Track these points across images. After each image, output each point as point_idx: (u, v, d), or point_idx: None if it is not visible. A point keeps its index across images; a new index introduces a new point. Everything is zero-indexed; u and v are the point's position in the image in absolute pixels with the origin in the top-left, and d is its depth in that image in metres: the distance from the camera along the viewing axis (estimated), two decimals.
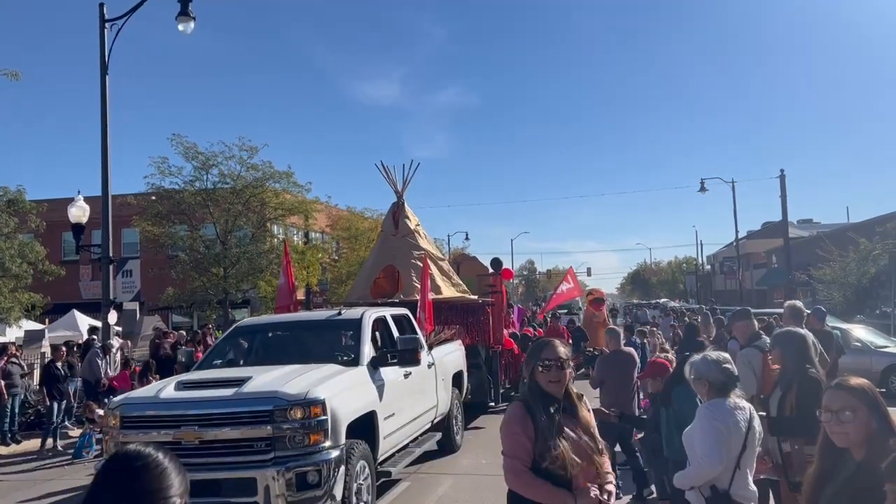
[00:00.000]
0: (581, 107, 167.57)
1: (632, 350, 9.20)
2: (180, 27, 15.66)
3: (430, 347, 9.86)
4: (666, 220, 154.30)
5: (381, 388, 7.35)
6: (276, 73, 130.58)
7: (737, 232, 42.28)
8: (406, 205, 13.91)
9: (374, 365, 7.48)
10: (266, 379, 6.40)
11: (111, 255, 15.41)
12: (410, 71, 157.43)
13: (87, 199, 15.65)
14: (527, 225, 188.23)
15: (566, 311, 20.81)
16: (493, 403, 12.84)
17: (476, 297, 13.79)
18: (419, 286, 11.55)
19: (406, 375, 8.14)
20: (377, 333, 8.59)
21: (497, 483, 7.99)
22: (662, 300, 61.18)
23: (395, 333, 8.63)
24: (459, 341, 11.69)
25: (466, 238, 56.97)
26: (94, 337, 16.93)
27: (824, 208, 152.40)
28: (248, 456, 5.90)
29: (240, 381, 6.31)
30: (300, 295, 29.25)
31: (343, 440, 6.27)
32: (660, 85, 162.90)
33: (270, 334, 8.96)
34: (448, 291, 13.17)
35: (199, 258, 25.31)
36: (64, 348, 14.47)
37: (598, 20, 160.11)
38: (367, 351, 7.62)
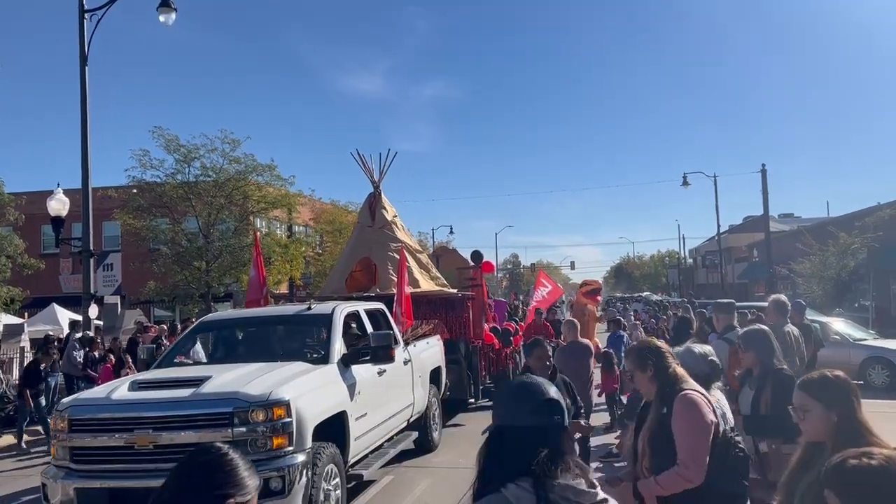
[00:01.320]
0: (566, 101, 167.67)
1: (587, 341, 9.46)
2: (161, 18, 15.40)
3: (407, 343, 9.40)
4: (649, 214, 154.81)
5: (352, 387, 6.89)
6: (260, 66, 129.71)
7: (718, 226, 42.33)
8: (383, 195, 13.37)
9: (345, 362, 7.02)
10: (226, 378, 5.95)
11: (92, 248, 15.13)
12: (395, 64, 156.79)
13: (66, 192, 15.21)
14: (511, 219, 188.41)
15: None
16: (472, 400, 12.36)
17: (455, 290, 13.30)
18: (396, 279, 11.08)
19: (380, 373, 7.68)
20: (350, 329, 8.11)
21: None
22: (645, 293, 61.14)
23: (369, 329, 8.10)
24: (438, 336, 11.20)
25: (451, 232, 56.08)
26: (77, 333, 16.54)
27: (805, 203, 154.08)
28: None
29: (198, 381, 5.85)
30: (283, 289, 28.96)
31: (309, 443, 5.83)
32: (644, 81, 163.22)
33: (235, 330, 8.44)
34: (426, 285, 12.70)
35: (181, 252, 24.96)
36: (56, 354, 13.86)
37: (582, 15, 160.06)
38: (338, 348, 7.13)
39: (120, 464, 5.54)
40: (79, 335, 15.22)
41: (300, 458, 5.65)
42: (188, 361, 7.51)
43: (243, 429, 5.47)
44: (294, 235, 31.07)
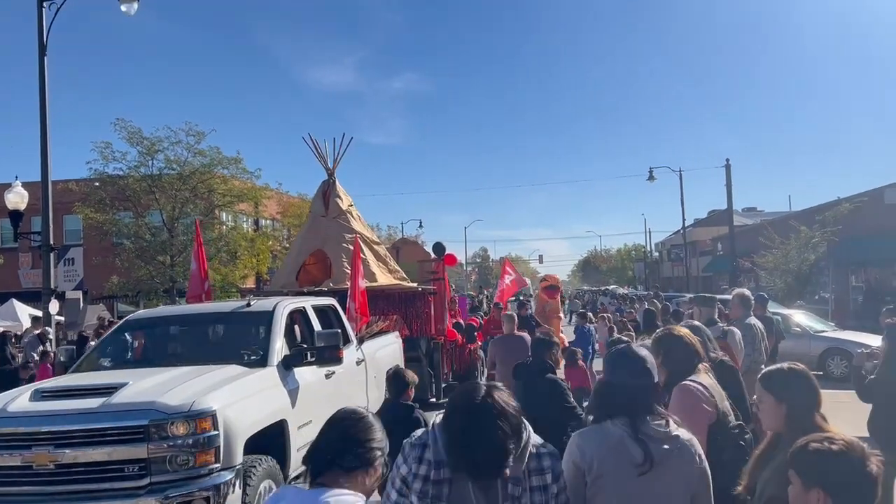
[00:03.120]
0: (534, 96, 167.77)
1: (525, 334, 9.54)
2: (123, 8, 14.89)
3: (362, 341, 8.68)
4: (616, 208, 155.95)
5: (294, 392, 6.15)
6: (226, 57, 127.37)
7: (683, 220, 42.24)
8: (338, 183, 12.49)
9: (287, 365, 6.27)
10: (144, 386, 5.15)
11: (52, 242, 14.34)
12: (365, 57, 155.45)
13: (25, 185, 14.59)
14: (480, 213, 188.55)
15: (514, 299, 19.88)
16: (433, 399, 11.63)
17: (416, 284, 12.52)
18: (350, 273, 10.23)
19: (328, 375, 6.95)
20: (295, 328, 7.40)
21: None
22: (612, 287, 61.11)
23: (317, 327, 7.30)
24: (397, 333, 10.45)
25: (420, 226, 55.70)
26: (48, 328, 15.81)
27: (768, 197, 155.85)
28: (116, 483, 4.64)
29: (111, 390, 5.03)
30: (250, 283, 28.10)
31: (240, 459, 5.09)
32: (610, 76, 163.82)
33: (165, 330, 7.46)
34: (384, 278, 11.87)
35: (144, 246, 24.11)
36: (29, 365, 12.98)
37: (550, 11, 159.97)
38: (279, 349, 6.37)
39: (15, 486, 4.70)
40: (37, 332, 14.71)
41: (227, 476, 4.90)
42: (107, 365, 6.62)
43: (161, 444, 4.70)
44: (261, 229, 30.30)
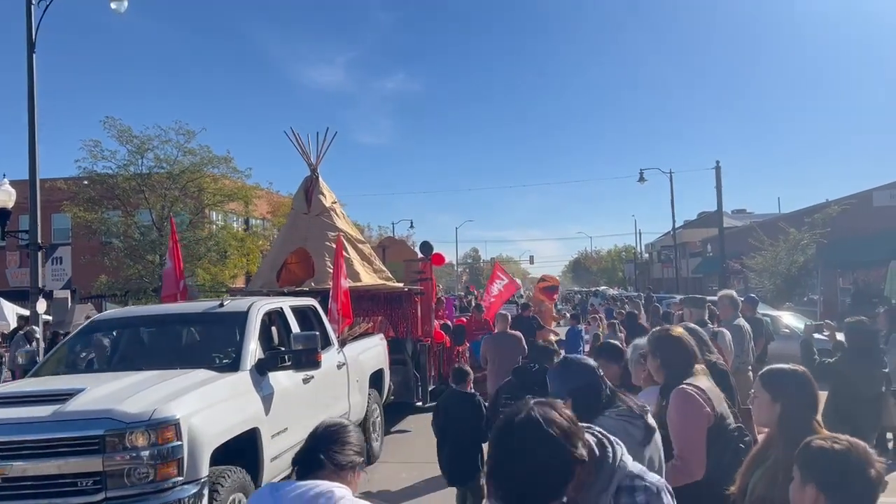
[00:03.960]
0: (526, 97, 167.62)
1: (518, 333, 9.76)
2: (113, 6, 14.74)
3: (344, 343, 8.29)
4: (607, 209, 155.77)
5: (268, 399, 5.73)
6: (217, 56, 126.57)
7: (674, 221, 42.02)
8: (321, 179, 11.80)
9: (261, 369, 5.84)
10: (101, 393, 4.72)
11: (40, 241, 14.01)
12: (356, 56, 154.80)
13: (13, 183, 14.24)
14: (472, 213, 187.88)
15: (512, 301, 19.43)
16: (419, 403, 11.17)
17: (402, 284, 11.99)
18: (333, 272, 9.71)
19: (306, 380, 6.54)
20: (272, 330, 7.01)
21: (417, 501, 6.52)
22: (602, 287, 60.99)
23: (295, 329, 6.87)
24: (381, 335, 10.02)
25: (411, 226, 54.53)
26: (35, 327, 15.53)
27: (757, 199, 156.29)
28: (69, 498, 4.25)
29: (65, 396, 4.60)
30: (240, 283, 27.74)
31: (206, 471, 4.68)
32: (602, 78, 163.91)
33: (132, 331, 6.98)
34: (368, 278, 11.22)
35: (133, 245, 23.76)
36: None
37: (543, 13, 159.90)
38: (252, 352, 5.94)
39: None
40: (23, 331, 14.46)
41: (191, 489, 4.50)
42: (67, 369, 6.18)
43: (118, 456, 4.29)
44: (251, 229, 29.94)
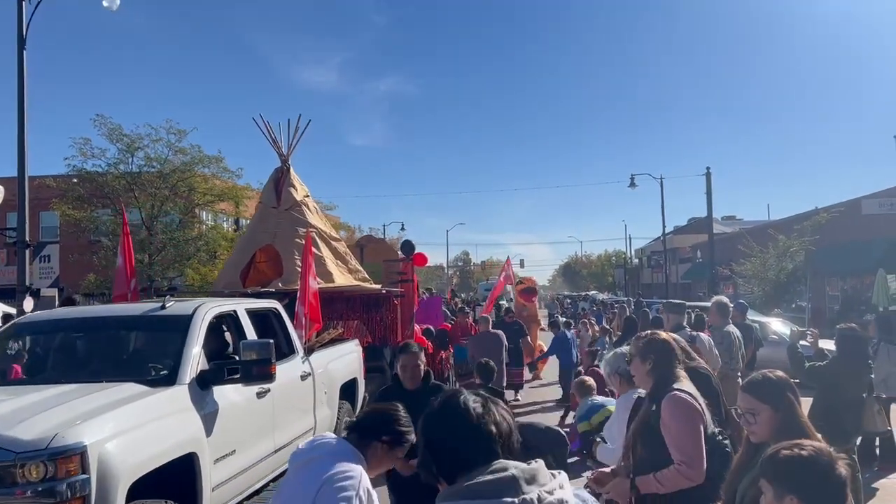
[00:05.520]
0: (518, 101, 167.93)
1: (500, 332, 10.10)
2: (105, 3, 14.61)
3: (311, 351, 7.47)
4: (597, 214, 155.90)
5: (211, 417, 4.87)
6: (210, 55, 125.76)
7: (664, 227, 42.24)
8: (292, 171, 10.79)
9: (204, 383, 4.98)
10: None
11: (28, 239, 13.90)
12: (350, 57, 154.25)
13: (1, 180, 14.41)
14: (463, 216, 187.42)
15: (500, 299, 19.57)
16: None
17: (380, 286, 11.05)
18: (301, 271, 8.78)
19: (261, 394, 5.65)
20: (226, 336, 6.23)
21: None
22: (592, 292, 61.21)
23: (251, 336, 5.98)
24: (357, 341, 9.15)
25: (402, 228, 54.57)
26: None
27: (747, 206, 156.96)
28: None
29: None
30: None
31: None
32: (593, 83, 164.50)
33: (58, 337, 6.04)
34: (342, 279, 10.16)
35: None
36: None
37: (535, 17, 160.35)
38: (194, 362, 5.08)
39: None
40: None
41: None
42: None
43: (7, 493, 3.56)
44: (241, 229, 29.87)
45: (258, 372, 5.17)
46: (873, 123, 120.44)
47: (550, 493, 1.54)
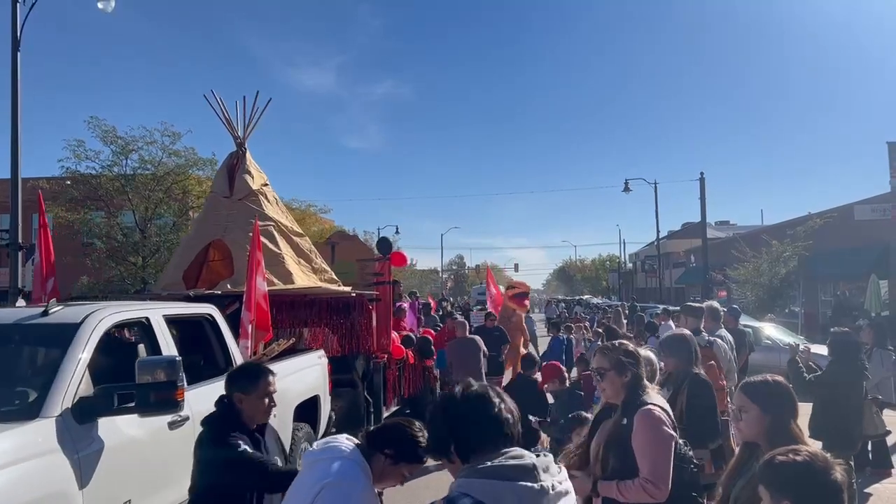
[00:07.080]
0: (513, 106, 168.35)
1: (477, 337, 10.24)
2: (100, 5, 14.79)
3: None
4: (591, 218, 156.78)
5: (91, 459, 3.76)
6: (204, 57, 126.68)
7: (658, 231, 42.32)
8: (249, 156, 9.33)
9: (83, 414, 3.84)
10: None
11: (20, 241, 14.06)
12: (346, 61, 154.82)
13: None
14: (458, 220, 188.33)
15: (480, 307, 19.16)
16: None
17: (350, 288, 9.60)
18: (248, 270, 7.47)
19: (174, 424, 4.50)
20: (137, 349, 5.20)
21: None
22: (586, 296, 61.31)
23: (167, 351, 4.83)
24: (321, 352, 7.92)
25: (397, 232, 54.38)
26: None
27: (741, 211, 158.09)
28: None
29: None
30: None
31: None
32: (589, 87, 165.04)
33: None
34: (304, 280, 8.83)
35: (116, 246, 23.47)
36: None
37: (530, 21, 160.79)
38: (71, 388, 3.90)
39: None
40: None
41: None
42: None
43: None
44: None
45: (157, 398, 3.95)
46: (866, 130, 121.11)
47: (560, 482, 1.86)
